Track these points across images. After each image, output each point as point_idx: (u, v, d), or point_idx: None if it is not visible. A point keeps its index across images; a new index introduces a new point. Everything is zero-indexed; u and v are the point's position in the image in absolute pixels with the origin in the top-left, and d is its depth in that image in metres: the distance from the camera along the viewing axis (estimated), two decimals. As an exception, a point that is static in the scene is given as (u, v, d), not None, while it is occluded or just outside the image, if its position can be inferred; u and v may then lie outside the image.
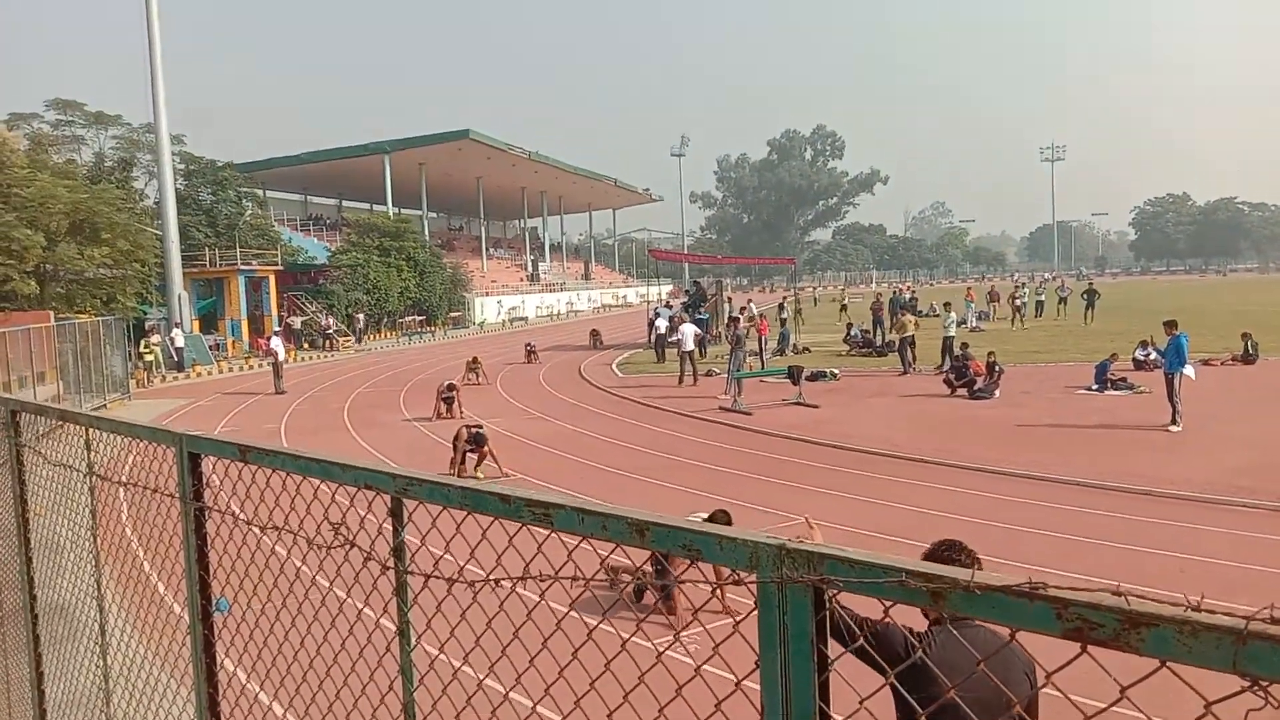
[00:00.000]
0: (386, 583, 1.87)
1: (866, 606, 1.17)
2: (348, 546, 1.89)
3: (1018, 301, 38.03)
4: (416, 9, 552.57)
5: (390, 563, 1.80)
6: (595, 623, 1.78)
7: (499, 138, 64.37)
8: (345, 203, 77.15)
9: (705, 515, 7.83)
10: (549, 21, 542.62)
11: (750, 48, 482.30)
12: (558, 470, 14.00)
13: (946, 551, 3.05)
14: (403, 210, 63.37)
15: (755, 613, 1.16)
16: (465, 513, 1.57)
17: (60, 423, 3.42)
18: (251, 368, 34.61)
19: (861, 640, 1.33)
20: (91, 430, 3.20)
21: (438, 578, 1.69)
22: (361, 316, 46.92)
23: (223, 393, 26.97)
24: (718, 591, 1.34)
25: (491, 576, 1.58)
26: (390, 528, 1.82)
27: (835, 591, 1.08)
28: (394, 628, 1.87)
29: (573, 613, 1.71)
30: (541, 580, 1.46)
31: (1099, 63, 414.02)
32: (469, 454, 13.62)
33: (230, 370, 34.42)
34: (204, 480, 2.45)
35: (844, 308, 52.05)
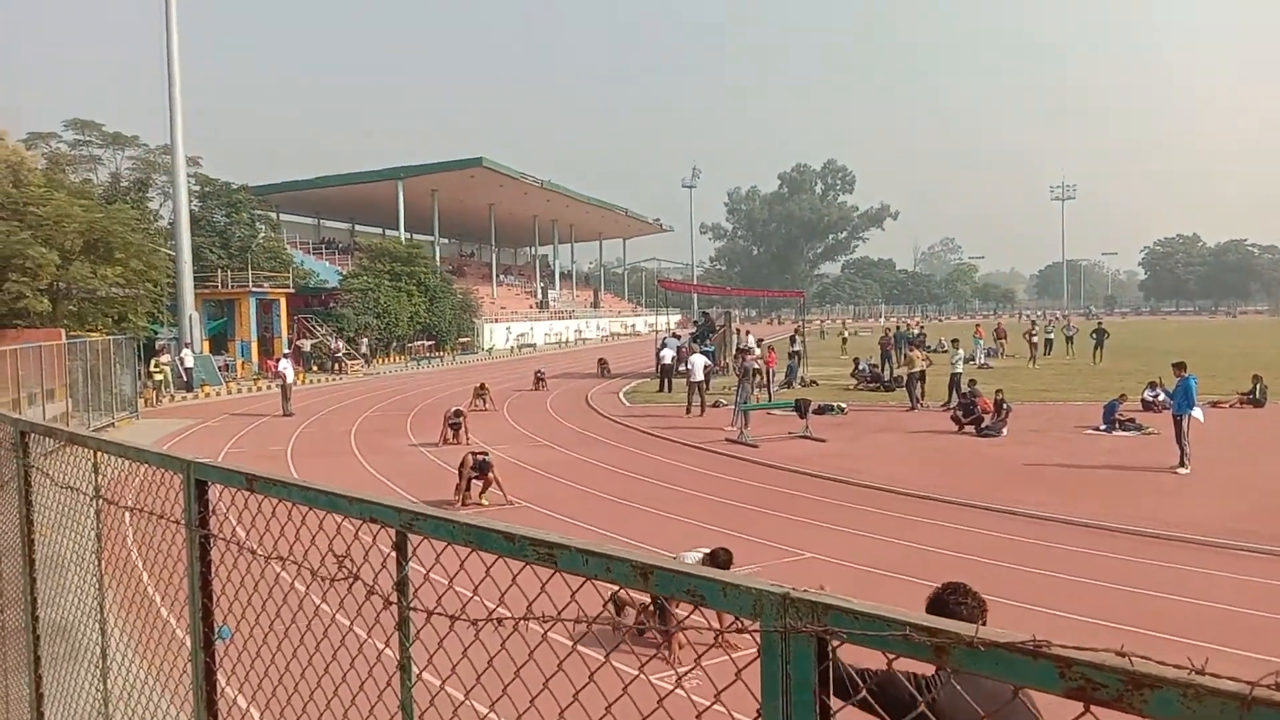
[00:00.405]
0: (389, 616, 1.86)
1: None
2: (351, 579, 1.89)
3: (1033, 338, 37.93)
4: (417, 9, 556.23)
5: (393, 597, 1.80)
6: (596, 658, 1.77)
7: (513, 166, 64.94)
8: (358, 227, 77.72)
9: (706, 550, 7.79)
10: (549, 22, 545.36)
11: (751, 48, 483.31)
12: (563, 499, 13.96)
13: (952, 595, 3.02)
14: (415, 235, 63.80)
15: (757, 660, 1.16)
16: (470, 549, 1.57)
17: (69, 443, 3.43)
18: (260, 389, 34.69)
19: (865, 693, 1.32)
20: (99, 453, 3.21)
21: (440, 614, 1.69)
22: (365, 341, 47.03)
23: (230, 414, 27.03)
24: (720, 638, 1.34)
25: (494, 615, 1.58)
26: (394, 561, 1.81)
27: (838, 643, 1.08)
28: (396, 660, 1.86)
29: (575, 649, 1.70)
30: (544, 621, 1.46)
31: (1110, 101, 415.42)
32: (474, 481, 13.61)
33: (239, 391, 34.52)
34: (210, 507, 2.46)
35: (845, 340, 52.02)
